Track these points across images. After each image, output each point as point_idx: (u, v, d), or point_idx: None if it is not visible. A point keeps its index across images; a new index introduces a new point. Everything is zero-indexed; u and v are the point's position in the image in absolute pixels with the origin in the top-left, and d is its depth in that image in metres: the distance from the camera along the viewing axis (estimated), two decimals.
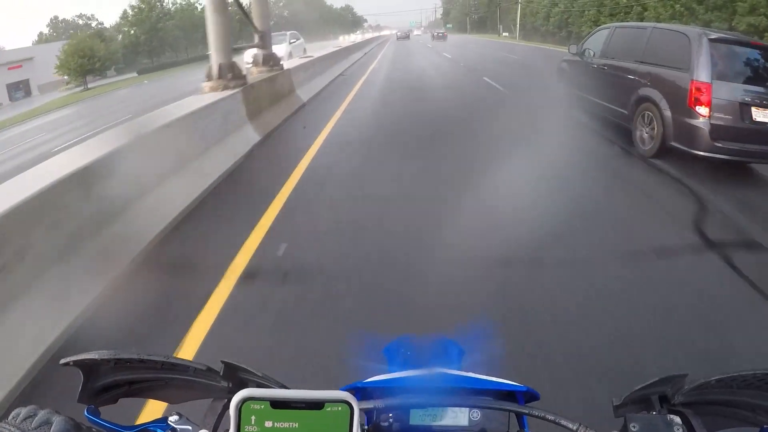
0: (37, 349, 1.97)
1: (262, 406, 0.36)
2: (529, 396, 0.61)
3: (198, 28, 58.90)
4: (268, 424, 0.37)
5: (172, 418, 0.52)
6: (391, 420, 0.60)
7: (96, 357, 0.51)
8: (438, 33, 51.06)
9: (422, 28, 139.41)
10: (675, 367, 0.58)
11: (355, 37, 45.06)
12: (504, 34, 52.02)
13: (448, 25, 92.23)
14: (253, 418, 0.36)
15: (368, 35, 66.37)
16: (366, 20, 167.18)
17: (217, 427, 0.52)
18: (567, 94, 6.78)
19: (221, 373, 0.52)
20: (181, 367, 0.53)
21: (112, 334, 2.06)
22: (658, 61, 4.60)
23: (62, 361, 0.51)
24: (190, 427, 0.51)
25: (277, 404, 0.37)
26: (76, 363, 0.51)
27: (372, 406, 0.55)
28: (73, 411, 0.48)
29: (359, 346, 1.33)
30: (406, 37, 53.97)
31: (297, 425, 0.37)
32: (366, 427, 0.58)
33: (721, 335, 2.03)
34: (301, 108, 7.57)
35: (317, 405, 0.37)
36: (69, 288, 2.25)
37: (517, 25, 43.24)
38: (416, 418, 0.60)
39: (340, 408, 0.37)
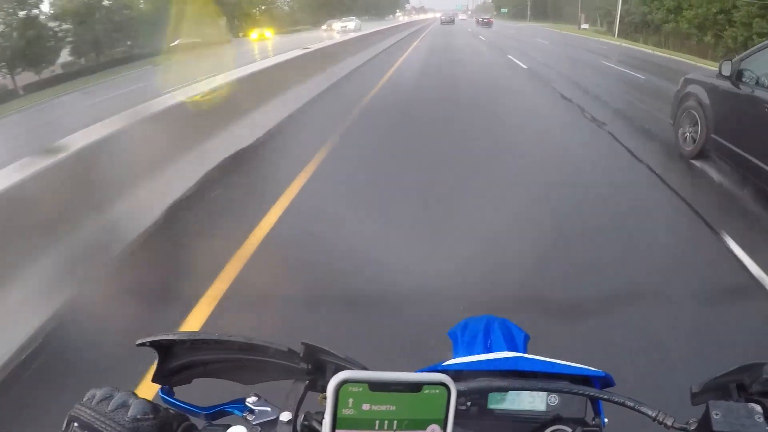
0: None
1: (360, 389, 0.37)
2: (604, 382, 0.62)
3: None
4: (366, 407, 0.37)
5: (250, 400, 0.53)
6: (468, 404, 0.63)
7: (173, 338, 0.53)
8: (483, 19, 50.82)
9: (469, 12, 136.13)
10: None
11: (346, 27, 34.19)
12: (584, 26, 38.73)
13: (503, 10, 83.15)
14: (350, 400, 0.37)
15: (404, 19, 61.75)
16: (408, 1, 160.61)
17: (299, 409, 0.51)
18: (701, 142, 4.43)
19: (301, 355, 0.53)
20: (261, 348, 0.54)
21: None
22: None
23: (138, 341, 0.53)
24: (269, 408, 0.52)
25: (376, 387, 0.37)
26: (153, 344, 0.53)
27: None
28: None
29: None
30: (451, 21, 54.71)
31: (394, 408, 0.38)
32: None
33: None
34: None
35: (415, 387, 0.37)
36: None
37: (617, 15, 28.16)
38: (494, 401, 0.63)
39: (438, 390, 0.38)
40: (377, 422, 0.37)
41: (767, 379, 0.54)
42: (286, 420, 0.50)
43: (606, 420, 0.63)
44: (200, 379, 0.59)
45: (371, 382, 0.37)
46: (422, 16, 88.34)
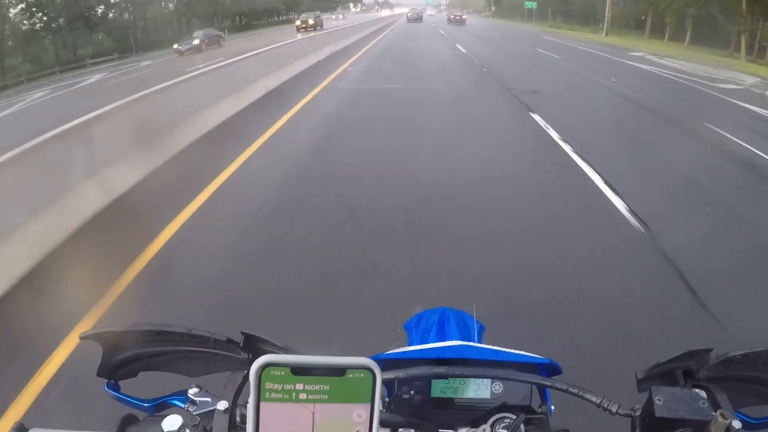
0: None
1: (283, 372, 0.40)
2: (551, 369, 0.69)
3: None
4: (289, 387, 0.41)
5: (192, 391, 0.61)
6: (412, 392, 0.69)
7: (115, 330, 0.61)
8: (455, 16, 48.78)
9: (442, 7, 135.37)
10: None
11: None
12: None
13: (528, 4, 49.19)
14: (273, 384, 0.41)
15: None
16: None
17: (236, 398, 0.58)
18: None
19: (241, 345, 0.61)
20: (201, 338, 0.62)
21: None
22: None
23: (81, 334, 0.60)
24: (209, 399, 0.60)
25: (298, 371, 0.40)
26: (95, 337, 0.60)
27: (393, 376, 0.63)
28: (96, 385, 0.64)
29: None
30: (418, 18, 54.30)
31: (318, 391, 0.41)
32: (386, 399, 0.70)
33: None
34: None
35: (339, 371, 0.41)
36: None
37: None
38: (437, 389, 0.69)
39: (362, 375, 0.41)
40: (301, 404, 0.42)
41: (714, 365, 0.60)
42: (222, 409, 0.57)
43: (552, 407, 0.70)
44: (146, 372, 0.67)
45: (293, 365, 0.41)
46: (377, 14, 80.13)
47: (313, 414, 0.40)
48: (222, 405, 0.56)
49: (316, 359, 0.40)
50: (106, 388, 0.62)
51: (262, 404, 0.40)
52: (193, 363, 0.65)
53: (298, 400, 0.40)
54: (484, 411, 0.66)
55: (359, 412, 0.41)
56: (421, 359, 0.65)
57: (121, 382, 0.64)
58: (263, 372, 0.39)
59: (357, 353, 0.47)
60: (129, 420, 0.55)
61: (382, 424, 0.59)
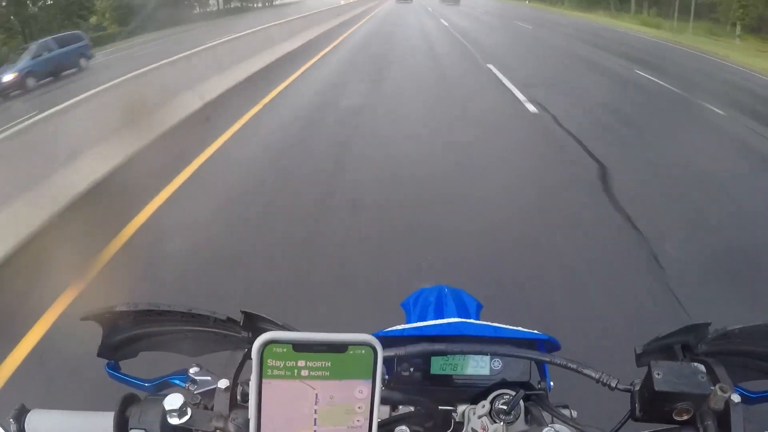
0: None
1: (285, 350, 0.40)
2: (549, 345, 0.70)
3: None
4: (291, 364, 0.41)
5: (192, 370, 0.62)
6: (411, 369, 0.70)
7: (116, 310, 0.62)
8: None
9: None
10: None
11: None
12: None
13: None
14: (275, 361, 0.41)
15: None
16: None
17: (237, 376, 0.60)
18: None
19: (241, 323, 0.62)
20: (202, 318, 0.63)
21: None
22: None
23: (81, 316, 0.62)
24: (209, 378, 0.62)
25: (300, 347, 0.41)
26: (96, 317, 0.62)
27: (393, 354, 0.64)
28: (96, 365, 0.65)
29: None
30: None
31: (320, 368, 0.42)
32: (386, 377, 0.70)
33: None
34: None
35: (340, 348, 0.41)
36: None
37: None
38: (437, 366, 0.70)
39: (363, 351, 0.41)
40: (303, 381, 0.43)
41: (713, 339, 0.62)
42: (223, 387, 0.58)
43: (552, 384, 0.72)
44: (147, 352, 0.69)
45: (295, 342, 0.42)
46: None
47: (315, 390, 0.41)
48: (223, 383, 0.56)
49: (317, 336, 0.40)
50: (106, 368, 0.63)
51: (265, 381, 0.40)
52: (194, 342, 0.65)
53: (300, 377, 0.40)
54: (483, 387, 0.67)
55: (361, 388, 0.41)
56: (420, 336, 0.66)
57: (122, 363, 0.64)
58: (265, 349, 0.39)
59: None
60: (129, 399, 0.56)
61: (383, 401, 0.59)
